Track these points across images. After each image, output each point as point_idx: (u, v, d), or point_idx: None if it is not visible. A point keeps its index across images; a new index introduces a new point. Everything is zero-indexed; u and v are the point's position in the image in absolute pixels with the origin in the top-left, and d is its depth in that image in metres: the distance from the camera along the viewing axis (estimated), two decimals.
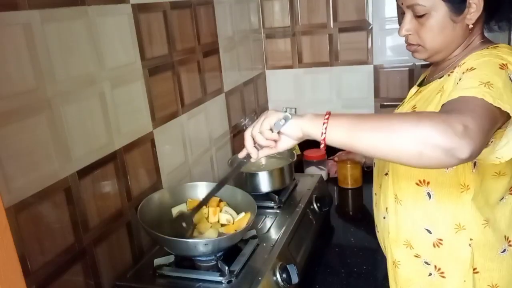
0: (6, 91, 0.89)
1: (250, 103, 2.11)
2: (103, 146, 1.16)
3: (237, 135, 1.95)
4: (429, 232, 0.99)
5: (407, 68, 2.05)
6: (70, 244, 1.05)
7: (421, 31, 0.94)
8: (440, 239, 0.97)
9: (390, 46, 2.05)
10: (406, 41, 1.00)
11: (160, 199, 1.28)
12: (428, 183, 0.95)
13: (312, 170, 1.95)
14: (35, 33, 0.95)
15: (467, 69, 0.84)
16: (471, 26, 0.92)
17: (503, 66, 0.82)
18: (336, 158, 1.85)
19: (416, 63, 2.02)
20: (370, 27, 2.05)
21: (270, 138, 0.83)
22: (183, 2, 1.52)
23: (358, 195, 1.87)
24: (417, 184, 0.97)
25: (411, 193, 1.00)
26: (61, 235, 1.03)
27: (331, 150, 2.08)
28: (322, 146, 0.78)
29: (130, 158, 1.26)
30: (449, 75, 0.93)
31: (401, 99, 1.15)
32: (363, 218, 1.65)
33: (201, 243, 1.10)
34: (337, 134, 0.76)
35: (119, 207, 1.22)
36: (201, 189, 1.35)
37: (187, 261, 1.19)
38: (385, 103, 2.12)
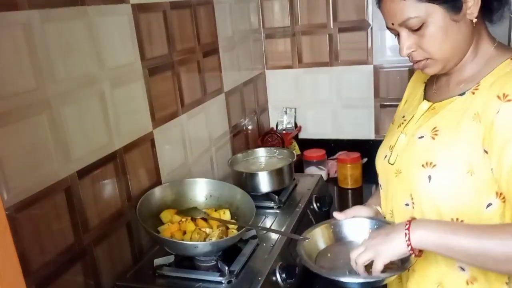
0: (6, 91, 0.89)
1: (250, 103, 2.11)
2: (103, 146, 1.16)
3: (237, 135, 1.95)
4: (463, 269, 0.91)
5: (407, 68, 2.04)
6: (70, 244, 1.05)
7: (423, 43, 0.85)
8: (474, 277, 0.90)
9: (390, 46, 2.05)
10: (411, 60, 0.89)
11: (160, 195, 1.29)
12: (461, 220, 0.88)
13: (312, 170, 1.95)
14: (35, 33, 0.95)
15: None
16: (475, 20, 0.84)
17: None
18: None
19: None
20: (370, 27, 2.05)
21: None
22: (183, 2, 1.52)
23: (358, 195, 1.87)
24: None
25: None
26: (61, 235, 1.03)
27: (331, 151, 2.10)
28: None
29: (130, 158, 1.26)
30: (473, 93, 0.85)
31: (401, 99, 1.14)
32: None
33: (201, 243, 1.10)
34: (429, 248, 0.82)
35: (119, 207, 1.22)
36: (201, 185, 1.36)
37: (187, 261, 1.19)
38: (385, 103, 2.12)
